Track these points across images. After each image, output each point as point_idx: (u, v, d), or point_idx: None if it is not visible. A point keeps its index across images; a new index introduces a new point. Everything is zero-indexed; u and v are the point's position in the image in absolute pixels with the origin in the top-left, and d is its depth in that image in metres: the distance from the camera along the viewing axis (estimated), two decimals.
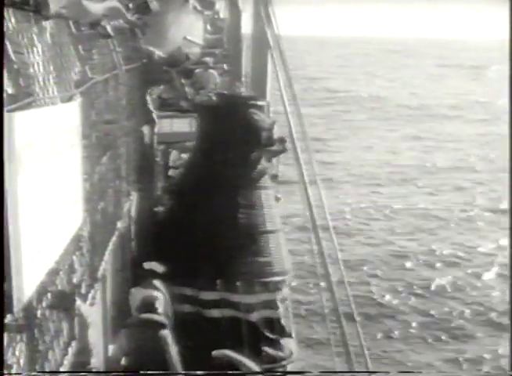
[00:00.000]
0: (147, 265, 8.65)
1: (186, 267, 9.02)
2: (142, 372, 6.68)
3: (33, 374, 3.64)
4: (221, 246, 9.15)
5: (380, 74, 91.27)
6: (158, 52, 10.59)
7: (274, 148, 9.77)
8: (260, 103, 10.10)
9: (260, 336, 8.95)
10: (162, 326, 7.24)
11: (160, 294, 7.90)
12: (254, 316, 9.01)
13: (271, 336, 8.97)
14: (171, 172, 12.10)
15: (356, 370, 9.42)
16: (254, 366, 7.62)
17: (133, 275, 8.90)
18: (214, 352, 7.72)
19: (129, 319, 7.47)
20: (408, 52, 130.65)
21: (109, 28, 7.22)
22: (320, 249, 10.45)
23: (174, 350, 7.08)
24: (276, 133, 9.70)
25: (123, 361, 7.19)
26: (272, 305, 9.15)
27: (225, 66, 14.17)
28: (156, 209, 10.65)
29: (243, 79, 14.71)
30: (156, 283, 8.16)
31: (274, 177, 10.96)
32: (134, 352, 7.09)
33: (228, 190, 9.47)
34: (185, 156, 12.11)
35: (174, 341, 7.21)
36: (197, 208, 9.46)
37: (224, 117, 9.73)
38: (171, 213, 10.00)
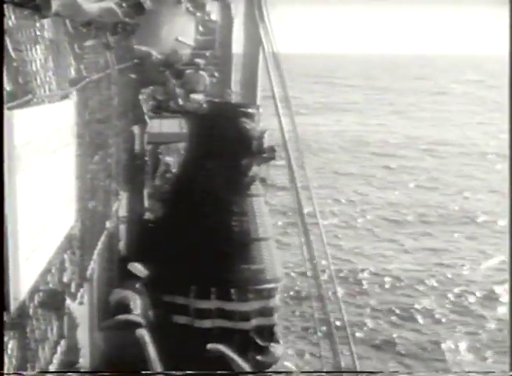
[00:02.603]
0: (131, 266, 8.60)
1: (178, 275, 8.99)
2: (132, 372, 6.67)
3: (33, 373, 3.62)
4: (214, 254, 9.14)
5: None
6: (155, 53, 10.55)
7: (264, 155, 9.80)
8: (250, 110, 10.09)
9: (250, 344, 8.95)
10: (138, 325, 7.24)
11: (136, 296, 7.88)
12: (249, 325, 9.00)
13: (261, 344, 8.99)
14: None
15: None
16: (244, 365, 7.65)
17: (119, 276, 8.86)
18: (209, 346, 7.75)
19: (104, 321, 7.46)
20: None
21: (111, 40, 7.22)
22: None
23: (152, 348, 7.07)
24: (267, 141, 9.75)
25: (102, 362, 7.16)
26: (266, 312, 9.16)
27: (216, 73, 14.15)
28: (146, 217, 10.62)
29: (232, 85, 14.67)
30: (135, 284, 8.17)
31: (263, 180, 10.97)
32: (112, 353, 7.08)
33: (220, 198, 9.47)
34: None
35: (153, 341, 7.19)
36: (189, 216, 9.44)
37: (214, 126, 9.75)
38: (163, 221, 9.96)
